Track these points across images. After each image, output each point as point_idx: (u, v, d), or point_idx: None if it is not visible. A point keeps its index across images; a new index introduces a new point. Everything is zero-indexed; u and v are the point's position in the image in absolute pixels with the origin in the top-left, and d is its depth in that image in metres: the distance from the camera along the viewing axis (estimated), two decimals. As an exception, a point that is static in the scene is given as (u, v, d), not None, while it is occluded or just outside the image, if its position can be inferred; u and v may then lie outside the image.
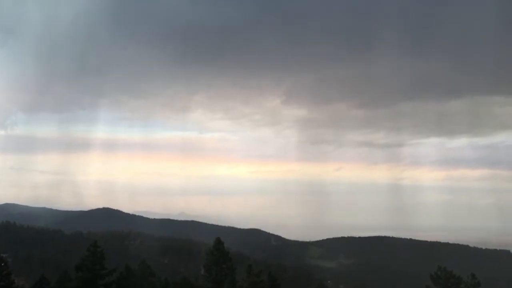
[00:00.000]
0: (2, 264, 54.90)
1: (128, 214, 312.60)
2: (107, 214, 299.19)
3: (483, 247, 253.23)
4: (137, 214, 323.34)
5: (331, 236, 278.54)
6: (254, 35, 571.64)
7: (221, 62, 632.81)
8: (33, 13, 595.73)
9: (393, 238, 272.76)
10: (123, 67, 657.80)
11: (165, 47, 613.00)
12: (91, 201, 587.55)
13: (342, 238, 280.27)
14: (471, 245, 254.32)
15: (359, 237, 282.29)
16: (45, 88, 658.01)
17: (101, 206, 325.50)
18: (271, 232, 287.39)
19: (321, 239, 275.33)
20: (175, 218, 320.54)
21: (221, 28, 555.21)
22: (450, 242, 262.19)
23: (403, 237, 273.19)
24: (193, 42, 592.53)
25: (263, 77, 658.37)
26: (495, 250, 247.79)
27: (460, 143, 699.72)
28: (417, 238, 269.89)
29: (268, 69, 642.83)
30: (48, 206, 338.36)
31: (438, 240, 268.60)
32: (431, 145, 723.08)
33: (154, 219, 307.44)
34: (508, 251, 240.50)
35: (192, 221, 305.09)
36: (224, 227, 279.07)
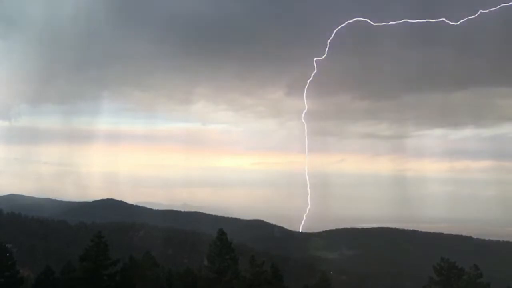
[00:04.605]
0: (7, 255, 55.20)
1: (131, 205, 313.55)
2: (110, 205, 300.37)
3: (486, 239, 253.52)
4: (140, 205, 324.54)
5: (333, 228, 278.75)
6: (257, 27, 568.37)
7: (223, 54, 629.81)
8: (36, 5, 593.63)
9: (396, 230, 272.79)
10: (126, 59, 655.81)
11: (168, 40, 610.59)
12: (95, 192, 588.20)
13: (345, 229, 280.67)
14: (474, 236, 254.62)
15: (362, 228, 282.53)
16: (48, 79, 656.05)
17: (105, 197, 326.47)
18: (274, 223, 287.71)
19: (323, 230, 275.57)
20: (178, 209, 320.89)
21: (223, 20, 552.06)
22: (453, 233, 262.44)
23: (406, 228, 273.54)
24: (196, 35, 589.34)
25: (266, 69, 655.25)
26: (498, 241, 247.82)
27: (464, 134, 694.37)
28: (420, 230, 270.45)
29: (271, 61, 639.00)
30: (52, 197, 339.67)
31: (441, 232, 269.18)
32: (435, 136, 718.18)
33: (158, 210, 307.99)
34: None
35: (195, 212, 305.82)
36: (227, 218, 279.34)
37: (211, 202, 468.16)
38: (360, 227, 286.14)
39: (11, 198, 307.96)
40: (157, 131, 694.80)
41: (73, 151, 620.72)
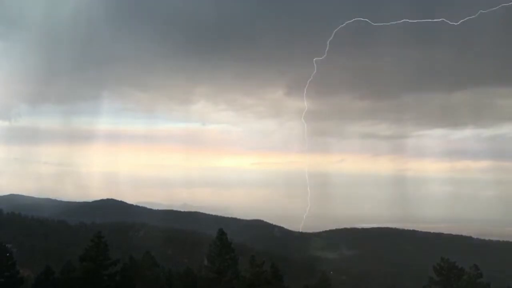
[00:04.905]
0: (7, 255, 55.21)
1: (131, 205, 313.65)
2: (110, 205, 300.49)
3: (486, 239, 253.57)
4: (140, 205, 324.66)
5: (334, 228, 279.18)
6: (257, 27, 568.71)
7: (223, 54, 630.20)
8: (36, 5, 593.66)
9: (396, 230, 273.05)
10: (126, 59, 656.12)
11: (168, 39, 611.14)
12: (95, 192, 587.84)
13: (345, 229, 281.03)
14: (474, 236, 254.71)
15: (362, 229, 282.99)
16: (48, 79, 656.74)
17: (104, 197, 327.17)
18: (274, 223, 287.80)
19: (323, 230, 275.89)
20: (178, 209, 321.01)
21: (223, 20, 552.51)
22: (453, 233, 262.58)
23: (406, 228, 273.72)
24: (196, 35, 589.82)
25: (266, 69, 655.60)
26: (498, 241, 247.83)
27: (464, 134, 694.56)
28: (420, 230, 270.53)
29: (271, 61, 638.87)
30: (52, 197, 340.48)
31: (441, 232, 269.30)
32: (434, 136, 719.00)
33: (158, 210, 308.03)
34: None
35: (195, 212, 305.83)
36: (227, 218, 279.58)
37: (211, 202, 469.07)
38: (360, 227, 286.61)
39: (11, 198, 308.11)
40: (157, 131, 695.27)
41: (73, 151, 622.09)
